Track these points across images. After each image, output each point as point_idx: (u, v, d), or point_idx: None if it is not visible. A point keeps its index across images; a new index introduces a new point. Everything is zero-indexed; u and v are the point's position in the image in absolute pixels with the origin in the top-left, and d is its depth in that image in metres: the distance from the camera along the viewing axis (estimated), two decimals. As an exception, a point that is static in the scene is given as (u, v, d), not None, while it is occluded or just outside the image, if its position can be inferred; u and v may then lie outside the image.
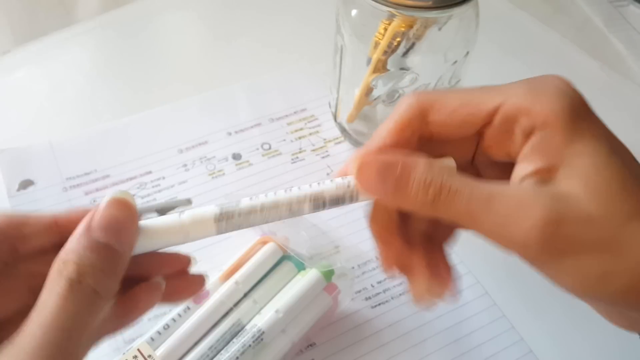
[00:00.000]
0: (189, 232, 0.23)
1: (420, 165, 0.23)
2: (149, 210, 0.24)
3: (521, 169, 0.24)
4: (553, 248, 0.22)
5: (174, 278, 0.26)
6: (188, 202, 0.24)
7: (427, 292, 0.26)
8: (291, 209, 0.24)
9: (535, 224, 0.21)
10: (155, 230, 0.23)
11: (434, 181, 0.23)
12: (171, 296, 0.26)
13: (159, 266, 0.26)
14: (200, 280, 0.27)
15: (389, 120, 0.26)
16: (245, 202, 0.24)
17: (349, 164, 0.25)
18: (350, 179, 0.25)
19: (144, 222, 0.23)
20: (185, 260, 0.26)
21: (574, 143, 0.23)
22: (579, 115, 0.23)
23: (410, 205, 0.24)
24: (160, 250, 0.25)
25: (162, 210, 0.24)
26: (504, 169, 0.26)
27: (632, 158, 0.24)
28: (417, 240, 0.27)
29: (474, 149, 0.27)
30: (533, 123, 0.23)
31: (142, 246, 0.23)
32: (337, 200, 0.25)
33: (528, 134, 0.24)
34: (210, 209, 0.24)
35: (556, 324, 0.37)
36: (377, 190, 0.24)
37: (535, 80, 0.25)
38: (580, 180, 0.22)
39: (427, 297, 0.26)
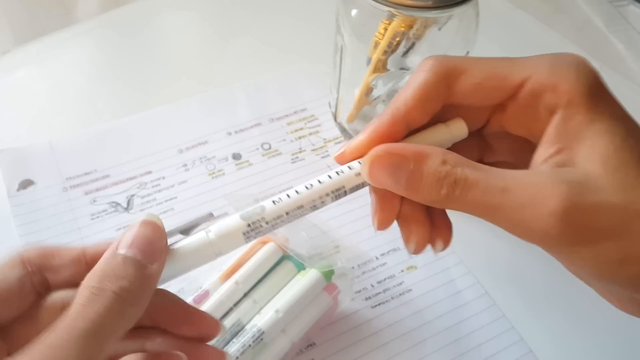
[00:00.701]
0: (219, 249, 0.23)
1: (433, 158, 0.23)
2: (172, 233, 0.24)
3: (544, 150, 0.24)
4: (572, 237, 0.22)
5: (195, 347, 0.25)
6: (210, 216, 0.24)
7: (424, 241, 0.25)
8: (314, 206, 0.24)
9: (554, 215, 0.21)
10: (185, 252, 0.23)
11: (448, 175, 0.22)
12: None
13: (185, 323, 0.25)
14: (221, 357, 0.26)
15: (410, 88, 0.25)
16: (269, 209, 0.24)
17: (360, 141, 0.25)
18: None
19: (171, 245, 0.23)
20: (214, 326, 0.26)
21: (595, 123, 0.23)
22: (599, 95, 0.23)
23: (424, 200, 0.23)
24: (191, 309, 0.25)
25: (186, 231, 0.23)
26: (516, 142, 0.26)
27: None
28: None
29: (487, 119, 0.27)
30: (557, 101, 0.24)
31: (173, 269, 0.23)
32: (357, 187, 0.25)
33: (552, 112, 0.24)
34: (236, 222, 0.23)
35: (556, 324, 0.37)
36: (390, 186, 0.24)
37: (558, 57, 0.25)
38: (600, 162, 0.22)
39: (423, 246, 0.26)
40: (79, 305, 0.21)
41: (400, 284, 0.39)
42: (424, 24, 0.37)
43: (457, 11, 0.37)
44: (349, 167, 0.24)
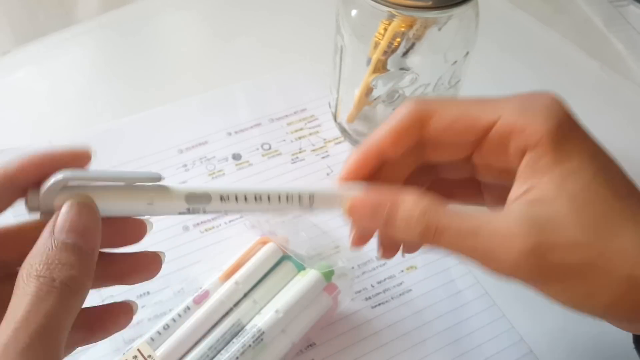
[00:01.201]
0: (152, 213, 0.24)
1: (406, 203, 0.25)
2: (117, 179, 0.24)
3: (517, 188, 0.25)
4: (540, 274, 0.23)
5: (128, 256, 0.26)
6: (158, 178, 0.24)
7: (393, 250, 0.29)
8: (252, 214, 0.26)
9: (522, 256, 0.23)
10: (118, 202, 0.23)
11: (419, 220, 0.24)
12: (124, 277, 0.26)
13: (114, 235, 0.25)
14: (156, 259, 0.26)
15: (387, 125, 0.27)
16: (213, 204, 0.25)
17: (347, 167, 0.28)
18: (303, 193, 0.26)
19: (110, 189, 0.23)
20: (142, 227, 0.26)
21: (563, 163, 0.24)
22: (568, 135, 0.25)
23: (402, 239, 0.26)
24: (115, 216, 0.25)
25: (130, 181, 0.24)
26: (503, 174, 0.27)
27: (617, 173, 0.25)
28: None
29: (469, 154, 0.28)
30: (526, 142, 0.25)
31: (105, 211, 0.23)
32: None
33: (522, 152, 0.25)
34: (178, 202, 0.24)
35: (556, 324, 0.37)
36: (369, 227, 0.27)
37: (528, 98, 0.26)
38: (567, 200, 0.24)
39: (390, 253, 0.29)
40: (32, 298, 0.20)
41: (400, 284, 0.39)
42: (424, 24, 0.37)
43: (457, 11, 0.37)
44: (299, 198, 0.26)
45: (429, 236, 0.24)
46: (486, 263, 0.24)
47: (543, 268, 0.23)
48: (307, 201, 0.26)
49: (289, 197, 0.26)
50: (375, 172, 0.28)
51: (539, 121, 0.25)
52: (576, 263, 0.23)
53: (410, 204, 0.25)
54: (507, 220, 0.24)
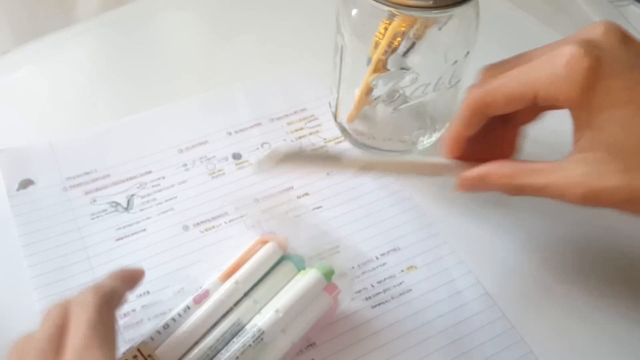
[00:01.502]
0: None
1: (492, 178, 0.34)
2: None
3: (574, 135, 0.31)
4: (598, 207, 0.30)
5: None
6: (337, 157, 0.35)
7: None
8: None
9: (580, 199, 0.30)
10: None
11: (504, 188, 0.34)
12: None
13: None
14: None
15: (459, 118, 0.35)
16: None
17: (445, 151, 0.38)
18: None
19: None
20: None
21: (595, 117, 0.29)
22: (595, 91, 0.29)
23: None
24: None
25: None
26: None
27: None
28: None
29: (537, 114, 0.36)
30: (563, 107, 0.31)
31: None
32: None
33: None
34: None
35: (556, 324, 0.37)
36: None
37: (554, 62, 0.30)
38: (605, 149, 0.29)
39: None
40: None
41: (400, 284, 0.39)
42: (425, 23, 0.37)
43: (458, 11, 0.37)
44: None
45: (514, 193, 0.33)
46: (557, 199, 0.31)
47: (599, 205, 0.30)
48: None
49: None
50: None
51: (565, 91, 0.29)
52: (620, 201, 0.29)
53: (496, 177, 0.33)
54: (567, 174, 0.30)
